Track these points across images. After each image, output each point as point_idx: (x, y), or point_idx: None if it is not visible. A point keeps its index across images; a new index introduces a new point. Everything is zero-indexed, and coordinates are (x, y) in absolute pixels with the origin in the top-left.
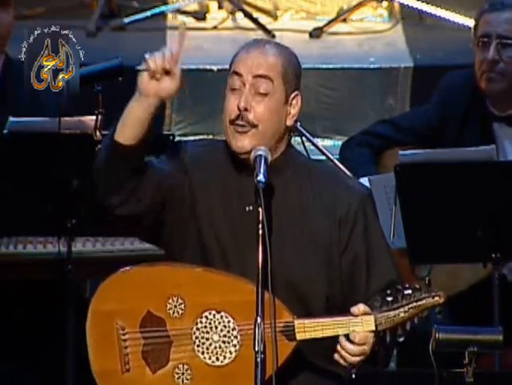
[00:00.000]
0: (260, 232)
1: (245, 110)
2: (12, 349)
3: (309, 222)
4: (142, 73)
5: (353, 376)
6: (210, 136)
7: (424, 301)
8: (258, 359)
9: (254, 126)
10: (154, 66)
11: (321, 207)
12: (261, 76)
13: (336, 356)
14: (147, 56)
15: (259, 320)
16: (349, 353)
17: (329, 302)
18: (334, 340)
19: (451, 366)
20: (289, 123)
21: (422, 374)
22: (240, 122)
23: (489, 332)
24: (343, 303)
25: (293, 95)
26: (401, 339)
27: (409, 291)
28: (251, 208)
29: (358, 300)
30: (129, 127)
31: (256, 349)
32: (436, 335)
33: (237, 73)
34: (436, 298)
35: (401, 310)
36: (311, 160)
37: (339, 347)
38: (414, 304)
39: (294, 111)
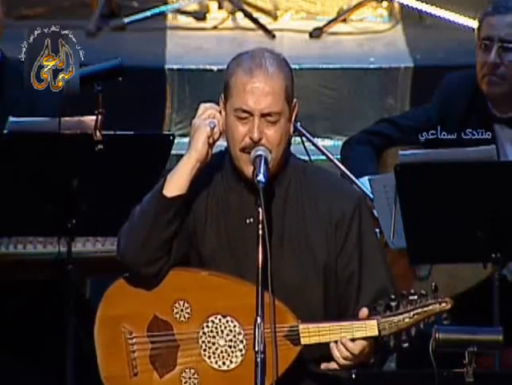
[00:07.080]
0: (260, 232)
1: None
2: (12, 349)
3: (306, 229)
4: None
5: (353, 376)
6: None
7: (430, 307)
8: (258, 359)
9: (269, 152)
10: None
11: (317, 213)
12: (269, 113)
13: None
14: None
15: (259, 320)
16: (341, 356)
17: (327, 308)
18: None
19: (451, 366)
20: (292, 130)
21: (422, 374)
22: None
23: (489, 332)
24: (337, 309)
25: (293, 105)
26: (406, 345)
27: (414, 297)
28: (252, 220)
29: (350, 305)
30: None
31: (256, 349)
32: (436, 335)
33: (244, 110)
34: (443, 304)
35: (406, 315)
36: (306, 164)
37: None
38: (420, 310)
39: (294, 117)
